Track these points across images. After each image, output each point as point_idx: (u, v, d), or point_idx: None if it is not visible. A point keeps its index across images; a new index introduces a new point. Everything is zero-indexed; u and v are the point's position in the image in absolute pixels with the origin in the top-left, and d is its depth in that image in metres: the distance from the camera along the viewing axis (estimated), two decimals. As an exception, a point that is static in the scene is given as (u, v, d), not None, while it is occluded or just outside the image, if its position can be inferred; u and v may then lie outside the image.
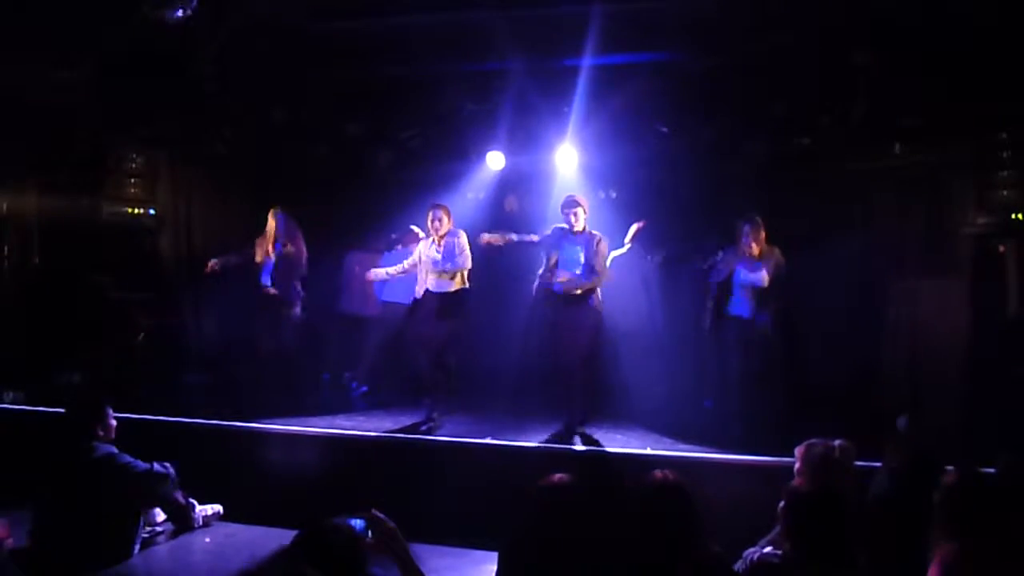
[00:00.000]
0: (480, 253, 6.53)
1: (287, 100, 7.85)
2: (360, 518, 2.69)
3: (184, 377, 7.71)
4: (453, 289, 6.31)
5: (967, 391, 6.45)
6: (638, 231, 7.44)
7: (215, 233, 8.93)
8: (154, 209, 8.31)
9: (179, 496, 5.19)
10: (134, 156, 8.21)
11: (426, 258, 6.38)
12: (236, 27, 6.59)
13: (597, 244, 6.10)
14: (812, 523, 2.81)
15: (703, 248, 6.98)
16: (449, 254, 6.29)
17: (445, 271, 6.27)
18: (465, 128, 8.01)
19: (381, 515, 2.70)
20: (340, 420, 6.54)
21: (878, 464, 4.15)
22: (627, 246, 7.41)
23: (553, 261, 6.12)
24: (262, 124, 8.09)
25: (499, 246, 6.39)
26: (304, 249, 7.08)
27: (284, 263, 6.94)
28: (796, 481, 3.72)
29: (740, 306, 6.23)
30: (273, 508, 5.21)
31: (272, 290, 6.91)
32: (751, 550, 3.45)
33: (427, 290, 6.35)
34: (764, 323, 6.13)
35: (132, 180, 8.21)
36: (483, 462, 5.52)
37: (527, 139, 8.03)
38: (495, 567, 3.09)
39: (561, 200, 6.24)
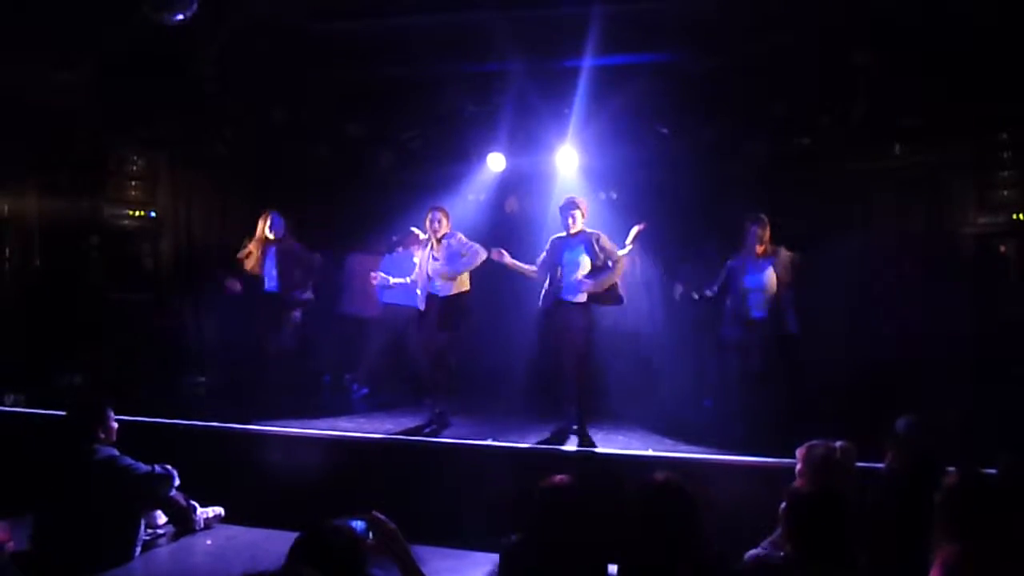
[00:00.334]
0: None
1: (287, 101, 7.85)
2: (361, 519, 2.68)
3: (185, 379, 7.70)
4: (454, 292, 6.30)
5: (968, 391, 6.44)
6: (639, 233, 7.42)
7: (215, 235, 8.94)
8: (154, 211, 8.31)
9: (180, 498, 5.20)
10: (134, 158, 8.22)
11: (426, 261, 6.35)
12: (236, 28, 6.60)
13: (598, 241, 6.08)
14: (813, 524, 2.81)
15: (707, 262, 7.01)
16: (450, 258, 6.27)
17: (446, 275, 6.25)
18: (466, 129, 8.01)
19: (382, 516, 2.70)
20: (341, 422, 6.53)
21: (879, 465, 4.15)
22: (628, 247, 7.40)
23: (559, 274, 6.09)
24: (262, 125, 8.10)
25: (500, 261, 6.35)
26: (297, 247, 7.04)
27: (284, 264, 6.90)
28: (797, 482, 3.71)
29: (756, 308, 6.18)
30: (274, 510, 5.21)
31: (305, 297, 6.95)
32: (752, 551, 3.44)
33: (428, 293, 6.34)
34: (781, 322, 6.12)
35: (132, 182, 8.22)
36: (484, 463, 5.51)
37: (528, 140, 8.03)
38: (496, 569, 3.09)
39: (561, 202, 6.23)
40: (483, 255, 6.24)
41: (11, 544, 4.48)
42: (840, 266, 7.20)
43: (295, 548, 2.45)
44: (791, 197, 7.55)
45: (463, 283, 6.36)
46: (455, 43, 6.83)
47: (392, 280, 6.64)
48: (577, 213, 6.10)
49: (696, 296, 6.38)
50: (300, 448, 5.88)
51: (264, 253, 6.91)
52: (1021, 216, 6.62)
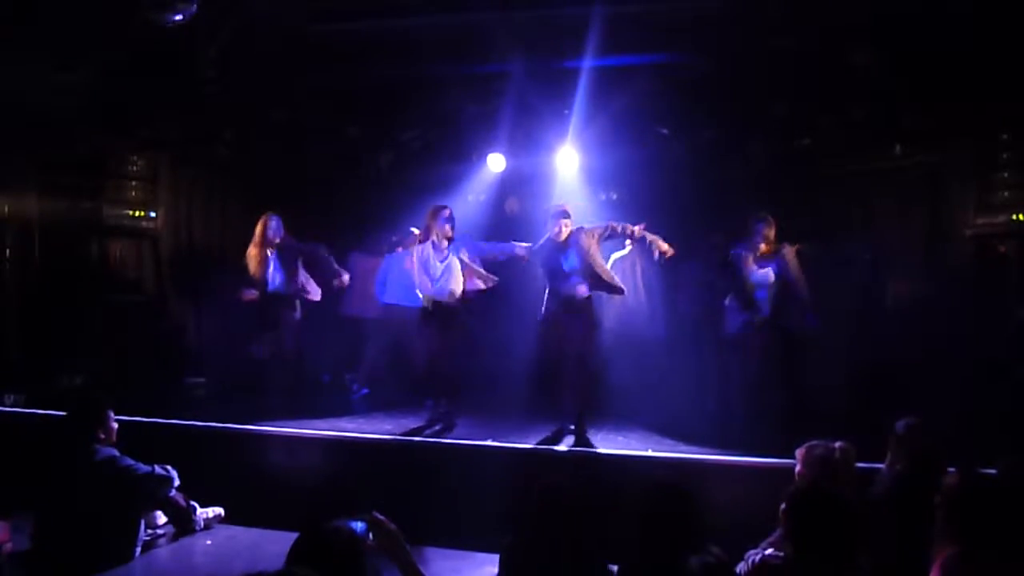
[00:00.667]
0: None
1: (287, 102, 7.85)
2: (361, 520, 2.68)
3: (185, 380, 7.70)
4: (453, 300, 6.28)
5: (968, 392, 6.44)
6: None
7: (216, 236, 8.95)
8: (155, 212, 8.31)
9: (180, 499, 5.20)
10: (134, 158, 8.22)
11: (425, 265, 6.31)
12: (236, 29, 6.60)
13: (581, 237, 6.02)
14: (813, 525, 2.80)
15: (707, 262, 7.02)
16: (451, 275, 6.24)
17: (445, 294, 6.26)
18: (466, 130, 8.02)
19: (382, 517, 2.70)
20: (341, 422, 6.53)
21: (879, 466, 4.15)
22: (628, 248, 7.41)
23: (557, 281, 6.08)
24: (263, 126, 8.10)
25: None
26: (295, 244, 6.97)
27: (288, 263, 6.87)
28: (797, 482, 3.72)
29: (759, 306, 6.22)
30: (274, 510, 5.21)
31: (284, 292, 6.86)
32: (753, 551, 3.44)
33: (431, 297, 6.32)
34: (782, 319, 6.10)
35: (133, 183, 8.22)
36: (484, 464, 5.51)
37: (528, 141, 8.04)
38: (496, 569, 3.09)
39: (551, 208, 6.18)
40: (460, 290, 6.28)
41: (9, 545, 4.49)
42: (840, 266, 7.20)
43: (295, 549, 2.45)
44: (792, 198, 7.55)
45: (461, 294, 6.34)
46: (455, 44, 6.83)
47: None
48: (568, 222, 6.04)
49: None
50: (300, 448, 5.88)
51: (265, 256, 6.85)
52: (1021, 217, 6.61)
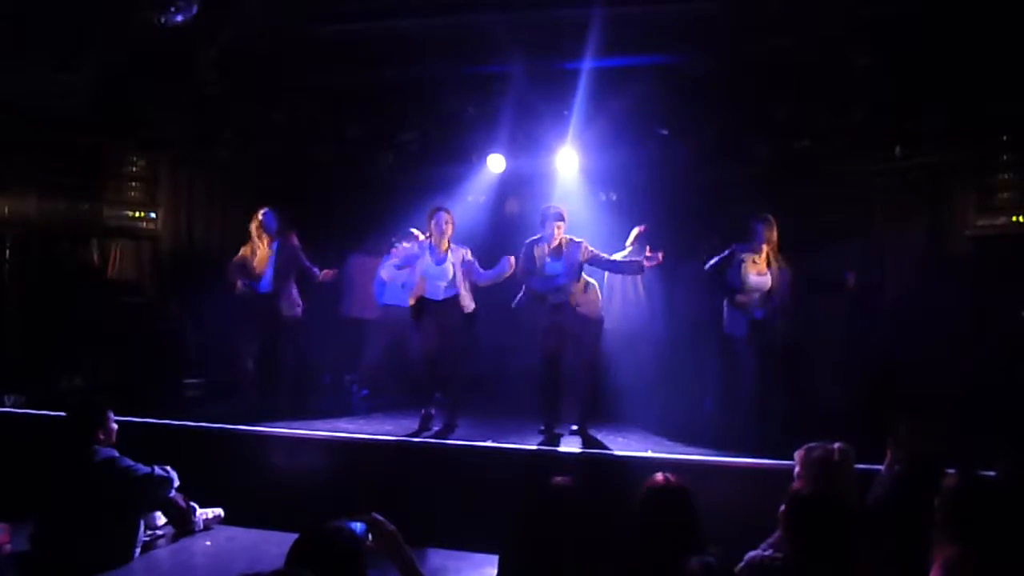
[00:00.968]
0: (485, 254, 6.52)
1: (287, 103, 7.85)
2: (360, 521, 2.68)
3: (185, 380, 7.70)
4: (447, 294, 6.25)
5: (968, 394, 6.44)
6: (639, 234, 7.43)
7: (215, 237, 8.95)
8: (155, 213, 8.31)
9: (180, 499, 5.20)
10: (135, 160, 8.22)
11: (426, 267, 6.29)
12: (236, 30, 6.60)
13: (580, 254, 6.01)
14: (813, 526, 2.81)
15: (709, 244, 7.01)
16: (457, 277, 6.21)
17: (441, 282, 6.23)
18: (466, 131, 8.01)
19: (381, 518, 2.70)
20: (341, 423, 6.53)
21: (879, 467, 4.15)
22: (628, 249, 7.41)
23: (543, 281, 6.07)
24: (263, 127, 8.10)
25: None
26: (297, 244, 6.91)
27: (282, 263, 6.80)
28: (796, 484, 3.72)
29: (755, 307, 6.16)
30: (274, 511, 5.21)
31: (272, 292, 6.79)
32: (753, 553, 3.44)
33: (427, 299, 6.30)
34: (776, 326, 6.10)
35: (133, 184, 8.22)
36: (484, 465, 5.51)
37: (528, 142, 8.03)
38: (495, 570, 3.09)
39: (547, 210, 6.14)
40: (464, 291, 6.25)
41: (9, 546, 4.49)
42: (841, 268, 7.19)
43: (294, 550, 2.45)
44: (791, 200, 7.54)
45: (467, 301, 6.31)
46: (455, 45, 6.84)
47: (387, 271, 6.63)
48: (562, 225, 6.01)
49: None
50: (300, 449, 5.87)
51: (268, 253, 6.81)
52: (1021, 219, 6.62)
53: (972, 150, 6.91)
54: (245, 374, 6.82)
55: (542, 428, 6.04)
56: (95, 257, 8.07)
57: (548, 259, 6.06)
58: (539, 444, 5.79)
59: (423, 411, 6.34)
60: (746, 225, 6.23)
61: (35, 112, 7.28)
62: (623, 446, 5.87)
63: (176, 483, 5.03)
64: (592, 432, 6.03)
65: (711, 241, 7.55)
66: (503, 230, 8.65)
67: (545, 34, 6.65)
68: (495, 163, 8.19)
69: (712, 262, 6.25)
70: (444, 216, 6.23)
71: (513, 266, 6.10)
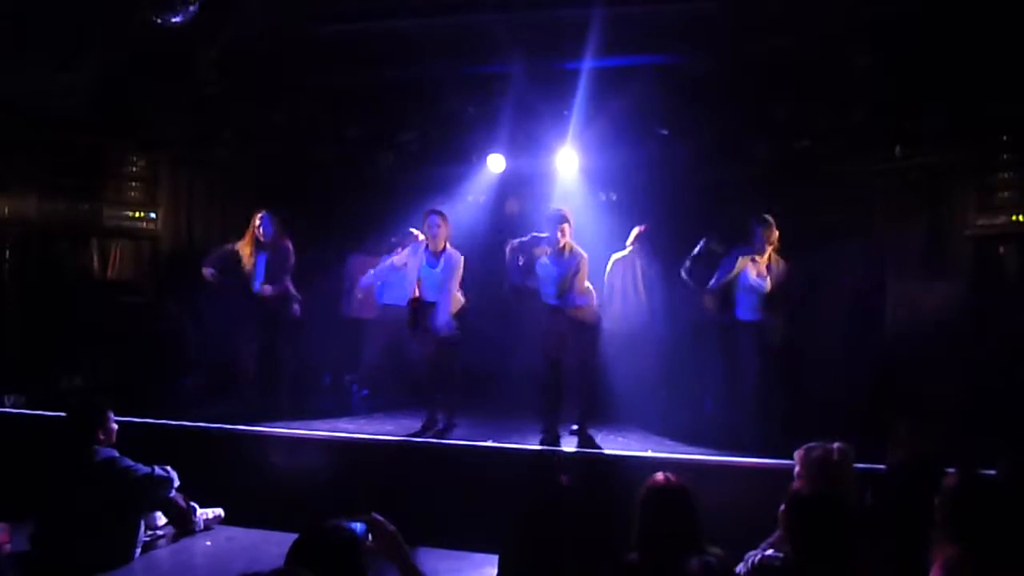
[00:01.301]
0: (485, 254, 6.51)
1: (287, 104, 7.85)
2: (360, 521, 2.68)
3: (185, 380, 7.70)
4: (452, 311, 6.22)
5: (967, 393, 6.44)
6: (640, 234, 7.44)
7: (215, 237, 8.94)
8: (155, 213, 8.31)
9: (180, 500, 5.20)
10: (135, 160, 8.22)
11: (418, 266, 6.28)
12: (236, 30, 6.60)
13: (578, 269, 5.95)
14: (813, 526, 2.81)
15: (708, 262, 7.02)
16: (448, 281, 6.18)
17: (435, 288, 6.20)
18: (466, 131, 8.01)
19: (381, 518, 2.70)
20: (341, 423, 6.54)
21: (878, 467, 4.16)
22: (628, 249, 7.41)
23: (537, 282, 6.05)
24: (263, 127, 8.10)
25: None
26: (291, 248, 6.86)
27: (275, 264, 6.77)
28: (796, 484, 3.72)
29: (747, 310, 6.16)
30: (274, 511, 5.21)
31: (268, 291, 6.75)
32: (753, 552, 3.45)
33: (419, 298, 6.30)
34: (773, 327, 6.09)
35: (133, 184, 8.22)
36: (484, 465, 5.52)
37: (528, 142, 8.03)
38: (495, 570, 3.09)
39: (549, 212, 6.11)
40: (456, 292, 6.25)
41: (10, 546, 4.49)
42: (841, 269, 7.20)
43: (294, 549, 2.45)
44: (791, 200, 7.53)
45: (457, 301, 6.29)
46: (455, 45, 6.83)
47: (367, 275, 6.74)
48: (566, 227, 5.95)
49: (716, 248, 6.30)
50: (300, 449, 5.88)
51: (256, 254, 6.78)
52: (1020, 218, 6.61)
53: (972, 150, 6.91)
54: (244, 374, 6.82)
55: (543, 428, 6.02)
56: (95, 257, 8.07)
57: (547, 260, 6.02)
58: (539, 444, 5.79)
59: (426, 412, 6.33)
60: (746, 226, 6.22)
61: (35, 112, 7.28)
62: (623, 446, 5.88)
63: (176, 483, 5.04)
64: (592, 432, 6.03)
65: (711, 241, 7.57)
66: (503, 230, 8.65)
67: (545, 34, 6.65)
68: (495, 163, 8.19)
69: (717, 279, 6.24)
70: (436, 219, 6.20)
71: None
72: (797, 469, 3.85)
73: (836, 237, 7.54)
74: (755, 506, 4.22)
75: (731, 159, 7.82)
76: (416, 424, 6.30)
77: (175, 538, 5.23)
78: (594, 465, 5.49)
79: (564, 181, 8.07)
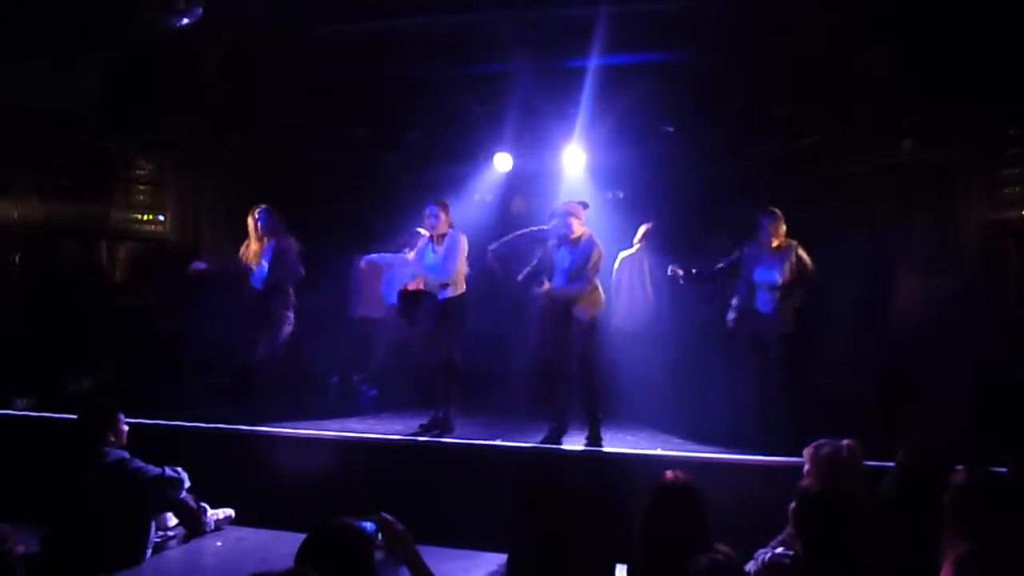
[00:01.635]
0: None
1: (292, 104, 7.87)
2: (370, 521, 2.69)
3: (194, 382, 7.72)
4: (451, 295, 6.20)
5: (977, 390, 6.41)
6: (647, 231, 7.43)
7: (222, 238, 8.96)
8: (162, 215, 8.34)
9: (190, 500, 5.22)
10: (141, 162, 8.24)
11: (419, 256, 6.29)
12: (240, 32, 6.61)
13: (589, 255, 5.86)
14: (823, 524, 2.81)
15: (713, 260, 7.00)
16: (445, 260, 6.17)
17: (442, 280, 6.19)
18: (472, 130, 8.02)
19: (390, 518, 2.71)
20: (351, 423, 6.55)
21: (888, 464, 4.14)
22: (636, 246, 7.41)
23: (551, 273, 5.98)
24: (268, 128, 8.12)
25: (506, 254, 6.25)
26: (292, 244, 6.72)
27: (275, 262, 6.67)
28: (805, 482, 3.71)
29: (763, 304, 6.06)
30: (284, 511, 5.22)
31: (262, 290, 6.65)
32: (762, 550, 3.44)
33: (420, 289, 6.29)
34: (787, 320, 6.03)
35: (139, 186, 8.24)
36: (492, 464, 5.51)
37: (534, 140, 8.04)
38: (505, 568, 3.10)
39: (558, 206, 6.06)
40: (462, 271, 6.20)
41: (22, 548, 4.51)
42: (846, 265, 7.17)
43: (304, 547, 2.46)
44: (797, 196, 7.49)
45: (459, 284, 6.23)
46: (461, 44, 6.84)
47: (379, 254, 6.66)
48: (573, 220, 5.88)
49: (693, 271, 6.27)
50: (310, 449, 5.89)
51: (261, 250, 6.71)
52: (1027, 213, 6.58)
53: (979, 145, 6.87)
54: (251, 374, 6.81)
55: (550, 427, 6.01)
56: (103, 259, 8.10)
57: (563, 251, 5.95)
58: (547, 443, 5.78)
59: (434, 411, 6.33)
60: (752, 221, 6.18)
61: (41, 115, 7.30)
62: (632, 444, 5.87)
63: (186, 484, 5.05)
64: (600, 430, 6.01)
65: (716, 239, 7.55)
66: (510, 229, 8.64)
67: (550, 32, 6.65)
68: (501, 162, 8.20)
69: (720, 266, 6.22)
70: (435, 208, 6.19)
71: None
72: (806, 467, 3.84)
73: (842, 234, 7.50)
74: (764, 504, 4.21)
75: (737, 156, 7.82)
76: (425, 423, 6.28)
77: (186, 539, 5.25)
78: (603, 463, 5.49)
79: (570, 179, 8.07)
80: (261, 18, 6.51)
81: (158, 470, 4.81)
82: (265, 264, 6.66)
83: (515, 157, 8.19)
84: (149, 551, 4.84)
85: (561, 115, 7.58)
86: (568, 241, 5.95)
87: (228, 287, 6.84)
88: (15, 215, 7.63)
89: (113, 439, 4.77)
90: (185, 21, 5.68)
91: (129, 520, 4.69)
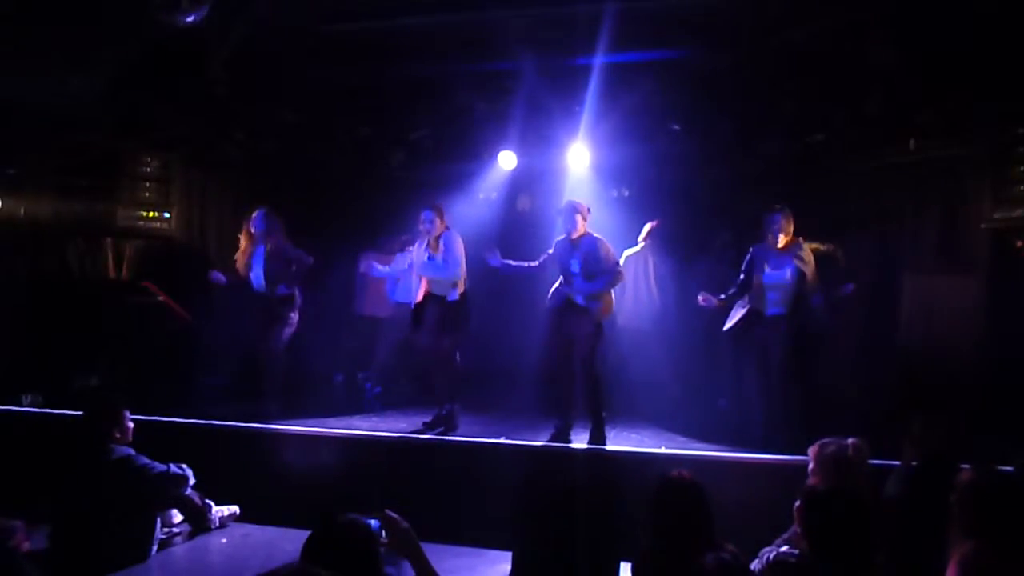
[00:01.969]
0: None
1: (298, 102, 7.87)
2: (374, 519, 2.69)
3: (200, 379, 7.74)
4: (454, 296, 6.23)
5: (985, 389, 6.39)
6: (652, 229, 7.42)
7: (229, 236, 8.97)
8: (168, 212, 8.35)
9: (196, 497, 5.24)
10: (148, 160, 8.26)
11: (420, 263, 6.30)
12: (247, 30, 6.61)
13: (596, 249, 5.89)
14: (829, 523, 2.80)
15: (720, 258, 6.98)
16: (447, 261, 6.19)
17: (444, 280, 6.21)
18: (477, 128, 8.01)
19: (395, 515, 2.71)
20: (355, 421, 6.56)
21: (893, 463, 4.13)
22: (641, 244, 7.40)
23: (570, 279, 5.97)
24: (274, 126, 8.13)
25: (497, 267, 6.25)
26: (289, 247, 6.74)
27: (272, 263, 6.68)
28: (811, 480, 3.71)
29: (770, 306, 5.96)
30: (289, 509, 5.24)
31: (266, 292, 6.69)
32: (767, 549, 3.44)
33: (428, 294, 6.30)
34: (817, 323, 5.92)
35: (146, 184, 8.25)
36: (497, 462, 5.52)
37: (539, 138, 8.02)
38: (509, 567, 3.10)
39: (562, 205, 6.09)
40: (462, 275, 6.20)
41: (28, 543, 4.53)
42: (855, 263, 7.15)
43: (309, 544, 2.46)
44: (805, 194, 7.47)
45: (461, 286, 6.26)
46: (466, 42, 6.82)
47: (380, 267, 6.63)
48: (578, 217, 5.92)
49: (722, 297, 6.18)
50: (315, 447, 5.90)
51: (252, 252, 6.74)
52: (1038, 211, 6.55)
53: (988, 143, 6.83)
54: (256, 372, 6.83)
55: (555, 425, 6.02)
56: (110, 257, 8.12)
57: (572, 258, 5.96)
58: (552, 441, 5.79)
59: (437, 409, 6.34)
60: (759, 219, 6.10)
61: (48, 114, 7.31)
62: (636, 443, 5.88)
63: (191, 481, 5.08)
64: (605, 429, 6.01)
65: (722, 237, 7.54)
66: (515, 227, 8.66)
67: (556, 30, 6.63)
68: (506, 160, 8.19)
69: (741, 278, 6.10)
70: (431, 214, 6.22)
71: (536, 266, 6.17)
72: (811, 465, 3.84)
73: (850, 232, 7.48)
74: (770, 503, 4.21)
75: (743, 154, 7.79)
76: (428, 421, 6.29)
77: (191, 535, 5.27)
78: (608, 462, 5.49)
79: (576, 177, 8.06)
80: (267, 17, 6.51)
81: (163, 467, 4.83)
82: (259, 268, 6.67)
83: (520, 155, 8.18)
84: (154, 547, 4.86)
85: (566, 113, 7.56)
86: (569, 243, 5.96)
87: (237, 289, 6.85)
88: (21, 212, 7.66)
89: (119, 436, 4.79)
90: (191, 20, 5.68)
91: (134, 516, 4.71)
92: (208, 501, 5.34)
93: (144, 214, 8.19)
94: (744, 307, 6.11)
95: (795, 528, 3.16)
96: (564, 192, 7.85)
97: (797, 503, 3.01)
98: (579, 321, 5.92)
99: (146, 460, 4.76)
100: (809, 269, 5.89)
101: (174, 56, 6.70)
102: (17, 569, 3.11)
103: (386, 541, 2.66)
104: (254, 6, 6.28)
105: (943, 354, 6.84)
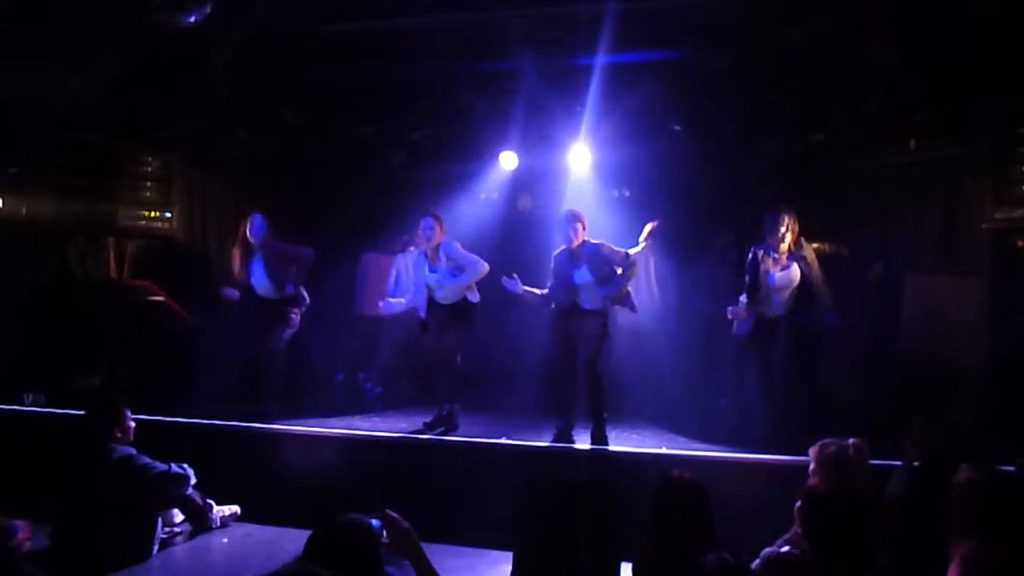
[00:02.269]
0: (492, 255, 6.50)
1: (299, 102, 7.87)
2: (375, 518, 2.70)
3: (201, 379, 7.75)
4: (458, 300, 6.25)
5: (985, 389, 6.38)
6: (653, 230, 7.41)
7: (230, 235, 8.97)
8: (169, 212, 8.36)
9: (197, 497, 5.25)
10: (149, 160, 8.27)
11: (422, 276, 6.29)
12: (249, 30, 6.61)
13: (600, 252, 5.88)
14: (829, 522, 2.80)
15: (721, 258, 6.96)
16: (450, 273, 6.19)
17: (449, 288, 6.21)
18: (478, 128, 8.01)
19: (396, 515, 2.71)
20: (356, 421, 6.56)
21: (894, 463, 4.13)
22: (642, 245, 7.39)
23: (575, 291, 5.93)
24: (275, 126, 8.13)
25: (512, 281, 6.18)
26: (286, 249, 6.74)
27: (273, 264, 6.69)
28: (811, 481, 3.71)
29: (774, 307, 5.91)
30: (290, 508, 5.25)
31: (273, 294, 6.72)
32: (769, 549, 3.44)
33: (432, 301, 6.31)
34: (824, 322, 5.87)
35: (147, 184, 8.26)
36: (498, 462, 5.52)
37: (540, 138, 8.02)
38: (510, 567, 3.10)
39: (562, 214, 6.07)
40: (484, 269, 6.17)
41: (29, 543, 4.54)
42: (856, 263, 7.15)
43: (311, 543, 2.47)
44: (806, 194, 7.47)
45: (467, 290, 6.28)
46: (467, 42, 6.82)
47: (394, 301, 6.65)
48: (579, 226, 5.90)
49: (744, 303, 6.09)
50: (315, 447, 5.91)
51: (249, 257, 6.74)
52: (1039, 211, 6.54)
53: (989, 142, 6.83)
54: (257, 372, 6.83)
55: (556, 426, 6.01)
56: (111, 257, 8.12)
57: (574, 269, 5.92)
58: (553, 442, 5.79)
59: (438, 410, 6.34)
60: (761, 220, 6.05)
61: (49, 114, 7.32)
62: (637, 443, 5.88)
63: (192, 480, 5.08)
64: (606, 429, 6.01)
65: (723, 238, 7.54)
66: (516, 227, 8.66)
67: (557, 30, 6.63)
68: (507, 160, 8.19)
69: (748, 282, 6.00)
70: (431, 221, 6.20)
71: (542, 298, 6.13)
72: (812, 466, 3.84)
73: (851, 232, 7.48)
74: (770, 503, 4.22)
75: (744, 154, 7.78)
76: (429, 421, 6.29)
77: (192, 535, 5.28)
78: (608, 462, 5.49)
79: (577, 178, 8.06)
80: (268, 17, 6.51)
81: (164, 466, 4.83)
82: (261, 271, 6.68)
83: (521, 155, 8.18)
84: (155, 547, 4.86)
85: (567, 113, 7.56)
86: (569, 254, 5.94)
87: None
88: (23, 212, 7.66)
89: (120, 435, 4.79)
90: (193, 19, 5.68)
91: (135, 516, 4.72)
92: (209, 501, 5.35)
93: (145, 214, 8.20)
94: (747, 305, 6.10)
95: (796, 528, 3.16)
96: (565, 192, 7.85)
97: (798, 503, 3.02)
98: (585, 323, 5.91)
99: (147, 460, 4.77)
100: (814, 268, 5.88)
101: (175, 56, 6.70)
102: (17, 569, 3.12)
103: (387, 541, 2.66)
104: (255, 6, 6.28)
105: (944, 354, 6.83)
